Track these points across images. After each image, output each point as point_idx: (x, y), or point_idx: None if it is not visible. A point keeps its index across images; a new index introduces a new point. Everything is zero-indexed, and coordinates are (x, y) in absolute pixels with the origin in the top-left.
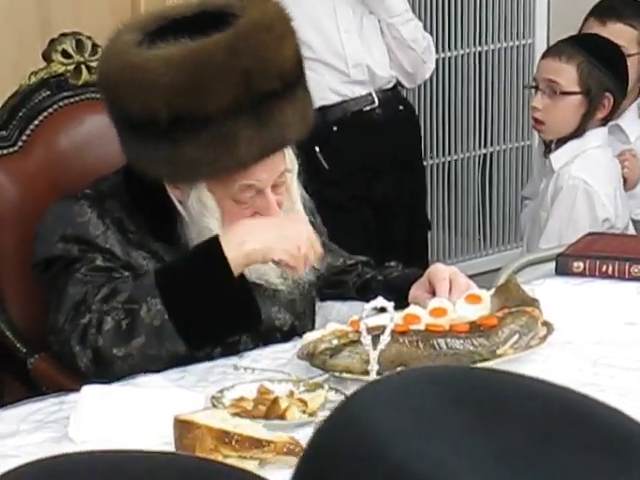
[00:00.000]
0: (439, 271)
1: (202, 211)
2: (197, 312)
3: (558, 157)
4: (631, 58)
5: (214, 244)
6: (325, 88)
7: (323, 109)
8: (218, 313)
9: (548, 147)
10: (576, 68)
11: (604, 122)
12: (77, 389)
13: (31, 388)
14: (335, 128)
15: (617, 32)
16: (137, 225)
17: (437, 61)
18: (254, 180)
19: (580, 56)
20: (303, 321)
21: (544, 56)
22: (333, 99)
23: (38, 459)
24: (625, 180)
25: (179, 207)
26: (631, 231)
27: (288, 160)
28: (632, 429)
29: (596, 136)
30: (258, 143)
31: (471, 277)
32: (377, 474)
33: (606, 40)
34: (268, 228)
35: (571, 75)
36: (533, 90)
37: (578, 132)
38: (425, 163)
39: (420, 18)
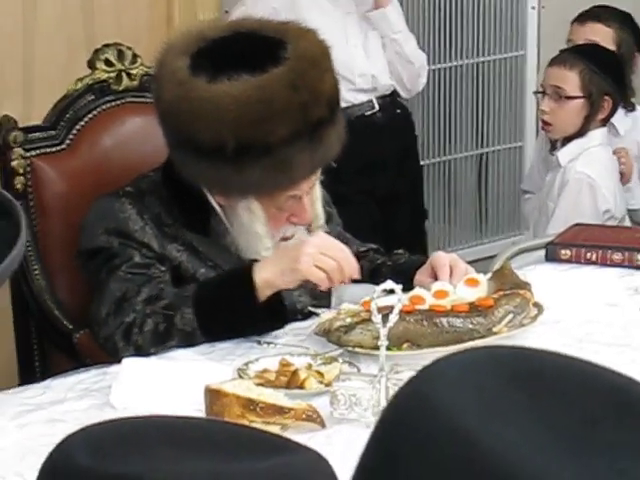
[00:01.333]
0: (440, 258)
1: (252, 218)
2: (223, 324)
3: (564, 154)
4: None
5: (247, 270)
6: None
7: None
8: (241, 328)
9: (554, 145)
10: (578, 75)
11: (604, 122)
12: (117, 361)
13: (76, 360)
14: None
15: (594, 30)
16: (173, 219)
17: (439, 71)
18: (299, 190)
19: (582, 64)
20: (320, 302)
21: (550, 64)
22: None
23: (87, 425)
24: (622, 175)
25: (215, 206)
26: (627, 220)
27: None
28: None
29: (597, 135)
30: (309, 164)
31: (469, 263)
32: (444, 446)
33: (603, 48)
34: (301, 253)
35: (574, 81)
36: (540, 95)
37: (581, 132)
38: (428, 162)
39: (421, 32)
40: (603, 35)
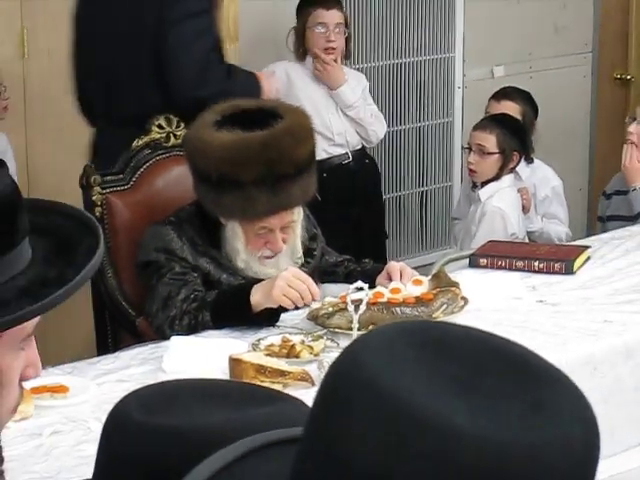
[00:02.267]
0: (394, 266)
1: (233, 237)
2: (229, 325)
3: (484, 192)
4: None
5: (248, 291)
6: (319, 149)
7: (318, 162)
8: (241, 321)
9: (475, 185)
10: (496, 137)
11: (512, 170)
12: (167, 339)
13: (137, 338)
14: (325, 174)
15: (506, 106)
16: (203, 240)
17: (390, 133)
18: (267, 224)
19: (497, 129)
20: None
21: (474, 129)
22: (323, 156)
23: (146, 385)
24: (523, 207)
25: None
26: (527, 239)
27: (296, 213)
28: (538, 361)
29: (507, 180)
30: (271, 205)
31: (414, 269)
32: (366, 394)
33: (512, 117)
34: (274, 286)
35: (493, 141)
36: (467, 150)
37: (496, 177)
38: (388, 196)
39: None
40: (512, 109)
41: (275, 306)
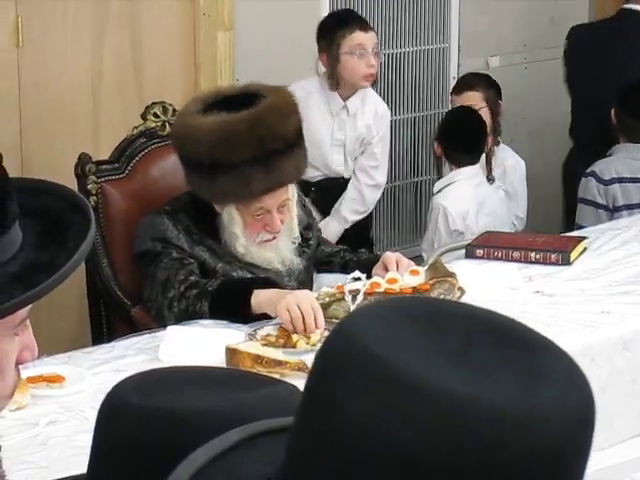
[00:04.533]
0: (389, 257)
1: (231, 222)
2: (225, 319)
3: (437, 185)
4: (482, 110)
5: (250, 291)
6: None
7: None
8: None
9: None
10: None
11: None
12: (163, 328)
13: (133, 328)
14: (313, 188)
15: (469, 97)
16: (199, 229)
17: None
18: (264, 204)
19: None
20: (305, 287)
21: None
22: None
23: (139, 372)
24: None
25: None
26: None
27: (290, 192)
28: (531, 333)
29: (467, 172)
30: (266, 183)
31: (411, 259)
32: (360, 363)
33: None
34: (283, 297)
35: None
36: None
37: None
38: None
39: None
40: (475, 98)
41: (273, 315)
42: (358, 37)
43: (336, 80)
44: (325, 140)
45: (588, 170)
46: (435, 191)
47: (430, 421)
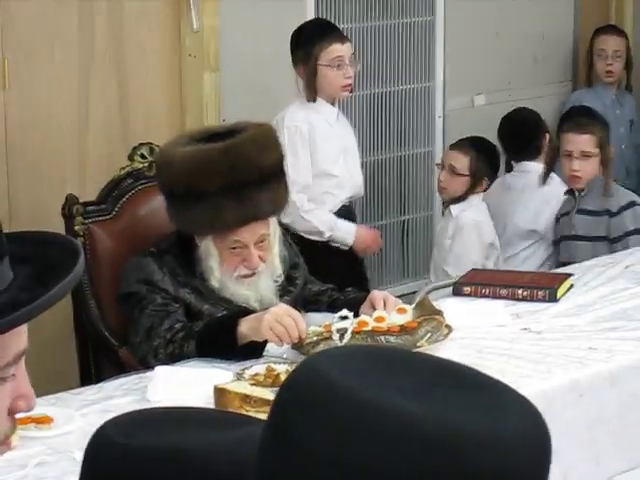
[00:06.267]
0: (376, 295)
1: (207, 254)
2: (214, 356)
3: (456, 207)
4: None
5: (234, 323)
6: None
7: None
8: (226, 359)
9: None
10: (469, 160)
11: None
12: (151, 368)
13: (121, 368)
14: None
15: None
16: (185, 270)
17: (371, 162)
18: (240, 237)
19: (472, 151)
20: None
21: (451, 147)
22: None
23: (125, 412)
24: None
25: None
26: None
27: (271, 227)
28: (485, 377)
29: (477, 198)
30: (238, 214)
31: (398, 297)
32: (321, 394)
33: (489, 142)
34: (262, 319)
35: (465, 163)
36: (440, 167)
37: (463, 197)
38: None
39: (363, 129)
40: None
41: (261, 340)
42: (336, 49)
43: (314, 92)
44: (350, 153)
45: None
46: (455, 212)
47: (385, 438)
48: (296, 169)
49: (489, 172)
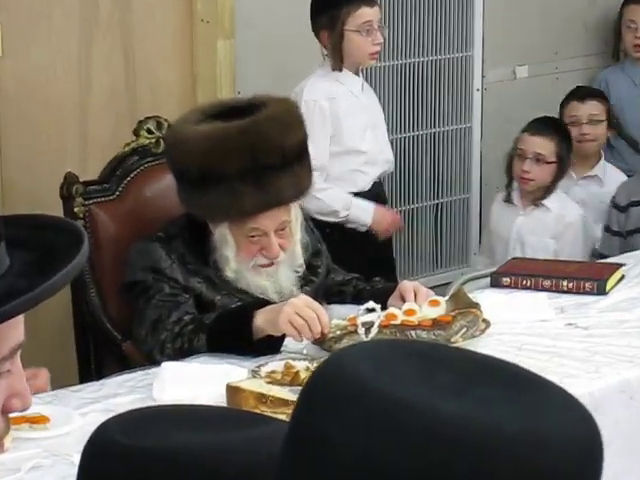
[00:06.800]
0: (406, 286)
1: (223, 243)
2: (226, 351)
3: (553, 201)
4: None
5: (250, 315)
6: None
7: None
8: (238, 354)
9: (509, 195)
10: (555, 144)
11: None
12: (157, 364)
13: (124, 364)
14: None
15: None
16: (195, 257)
17: (403, 139)
18: (259, 224)
19: (556, 135)
20: None
21: (531, 133)
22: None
23: (128, 410)
24: None
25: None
26: None
27: (293, 213)
28: (529, 373)
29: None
30: (258, 200)
31: (429, 289)
32: (352, 392)
33: (560, 121)
34: (281, 311)
35: (551, 149)
36: (516, 156)
37: (548, 188)
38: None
39: (392, 106)
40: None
41: (279, 334)
42: (365, 13)
43: (341, 60)
44: (378, 126)
45: None
46: (554, 207)
47: (416, 434)
48: (311, 148)
49: (569, 155)
